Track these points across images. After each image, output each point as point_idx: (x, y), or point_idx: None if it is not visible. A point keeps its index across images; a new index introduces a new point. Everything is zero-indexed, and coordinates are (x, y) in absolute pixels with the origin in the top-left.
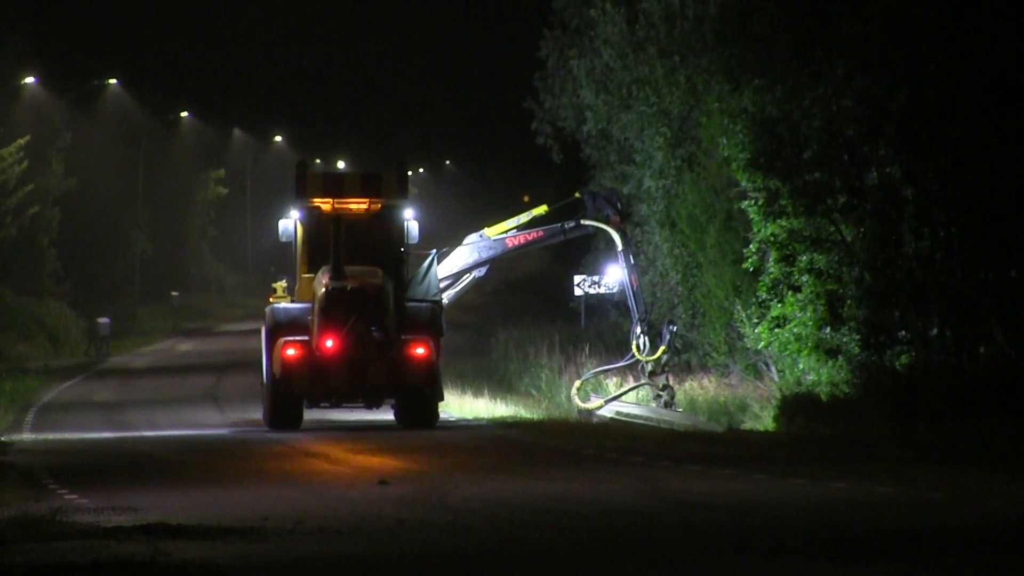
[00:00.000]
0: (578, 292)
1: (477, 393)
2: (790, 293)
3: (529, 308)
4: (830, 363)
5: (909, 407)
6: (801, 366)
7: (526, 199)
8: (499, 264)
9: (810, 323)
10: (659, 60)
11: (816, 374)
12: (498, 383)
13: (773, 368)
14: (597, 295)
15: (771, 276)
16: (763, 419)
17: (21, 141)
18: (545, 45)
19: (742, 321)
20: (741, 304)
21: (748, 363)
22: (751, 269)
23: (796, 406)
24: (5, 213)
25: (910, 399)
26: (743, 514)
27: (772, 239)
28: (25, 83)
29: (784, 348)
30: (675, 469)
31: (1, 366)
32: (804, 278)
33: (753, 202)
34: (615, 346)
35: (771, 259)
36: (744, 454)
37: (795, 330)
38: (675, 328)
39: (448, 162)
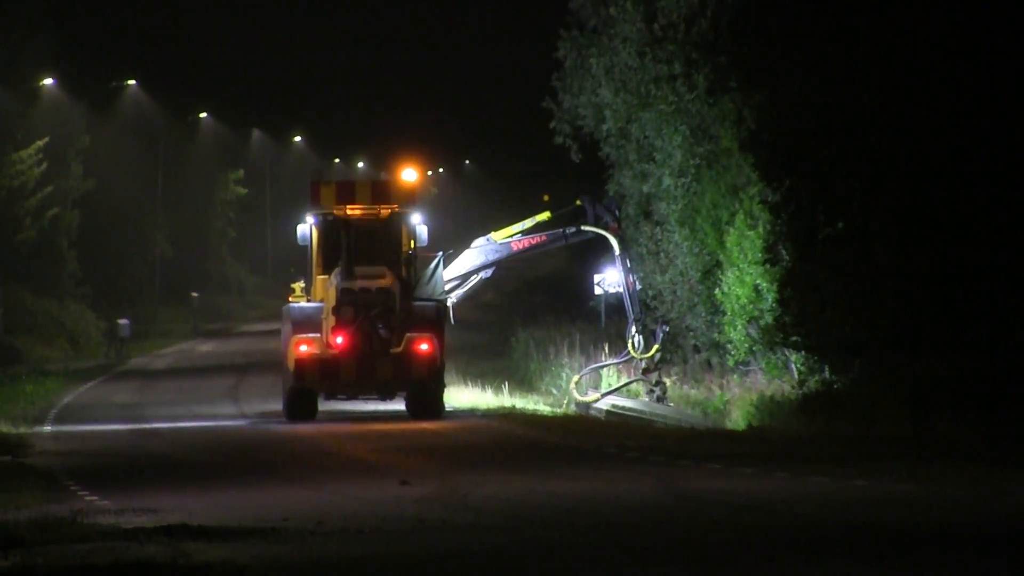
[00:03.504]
0: (598, 291)
1: (497, 391)
2: (810, 291)
3: (549, 307)
4: (850, 361)
5: (929, 405)
6: (802, 364)
7: (546, 198)
8: (519, 264)
9: (830, 321)
10: (678, 58)
11: (833, 372)
12: (519, 382)
13: (794, 366)
14: (617, 294)
15: (790, 274)
16: (785, 416)
17: (40, 143)
18: (563, 45)
19: (762, 319)
20: (761, 302)
21: (769, 362)
22: (771, 267)
23: (816, 404)
24: (25, 215)
25: (930, 397)
26: (763, 512)
27: (792, 237)
28: (44, 85)
29: (803, 346)
30: (695, 468)
31: (21, 368)
32: (824, 276)
33: (771, 199)
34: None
35: (789, 257)
36: (764, 452)
37: (814, 328)
38: (667, 328)
39: (468, 162)
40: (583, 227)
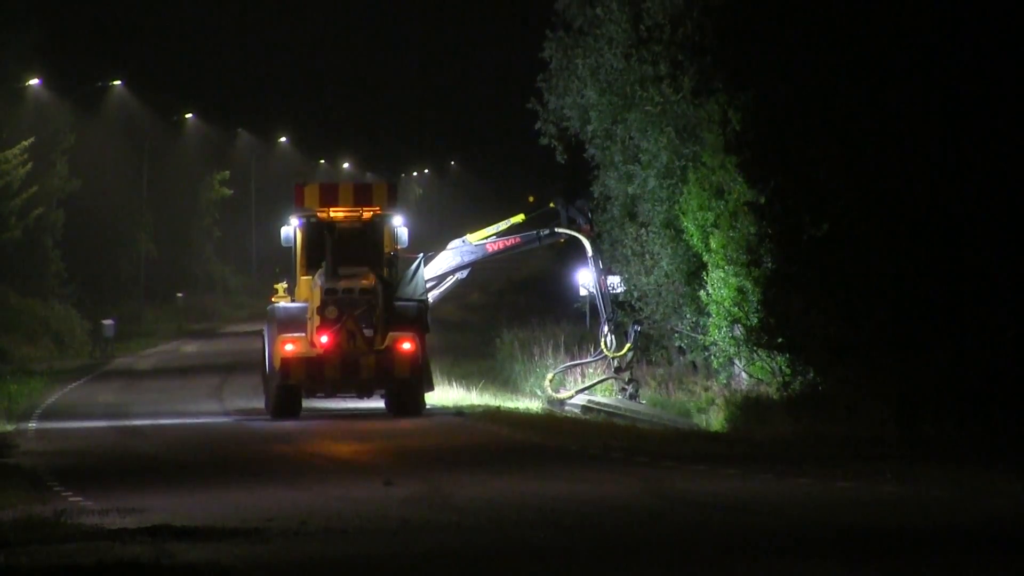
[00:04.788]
0: (583, 292)
1: (482, 392)
2: (795, 293)
3: (534, 308)
4: (835, 363)
5: (914, 406)
6: (787, 365)
7: (531, 199)
8: (504, 265)
9: (815, 323)
10: (663, 59)
11: (818, 373)
12: (503, 383)
13: (779, 368)
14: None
15: (775, 276)
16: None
17: (25, 143)
18: (549, 46)
19: (747, 321)
20: (746, 304)
21: (754, 363)
22: (755, 269)
23: (801, 405)
24: (9, 215)
25: (915, 398)
26: (748, 513)
27: (777, 239)
28: (29, 85)
29: (788, 348)
30: (680, 469)
31: (5, 368)
32: (809, 278)
33: (756, 200)
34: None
35: (774, 259)
36: (749, 453)
37: (799, 330)
38: (639, 328)
39: (453, 163)
40: (556, 229)
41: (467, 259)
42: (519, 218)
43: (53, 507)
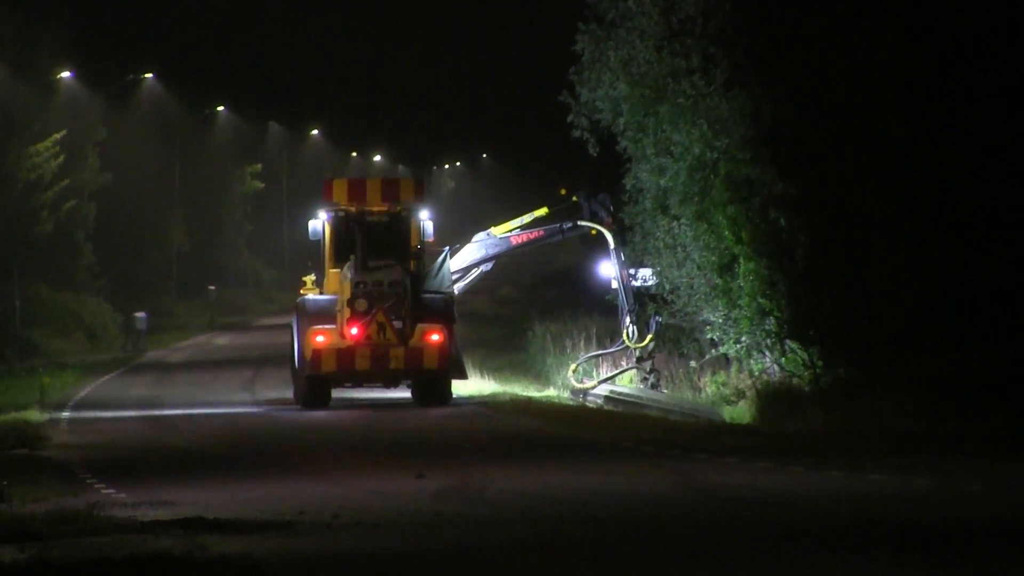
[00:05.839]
0: (614, 284)
1: (514, 384)
2: (826, 287)
3: (566, 301)
4: (866, 356)
5: (945, 400)
6: (818, 358)
7: (563, 192)
8: (535, 258)
9: (846, 316)
10: (695, 52)
11: (848, 367)
12: (536, 376)
13: (810, 360)
14: (634, 288)
15: (807, 269)
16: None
17: (57, 136)
18: (581, 39)
19: (778, 314)
20: (777, 297)
21: (785, 356)
22: (787, 262)
23: (832, 399)
24: (41, 208)
25: (946, 392)
26: (780, 507)
27: (808, 232)
28: (61, 78)
29: (819, 341)
30: (712, 462)
31: (38, 362)
32: (840, 271)
33: (788, 194)
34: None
35: (805, 252)
36: (780, 447)
37: (830, 323)
38: (660, 319)
39: (485, 155)
40: (579, 222)
41: (491, 252)
42: (542, 211)
43: (85, 500)
